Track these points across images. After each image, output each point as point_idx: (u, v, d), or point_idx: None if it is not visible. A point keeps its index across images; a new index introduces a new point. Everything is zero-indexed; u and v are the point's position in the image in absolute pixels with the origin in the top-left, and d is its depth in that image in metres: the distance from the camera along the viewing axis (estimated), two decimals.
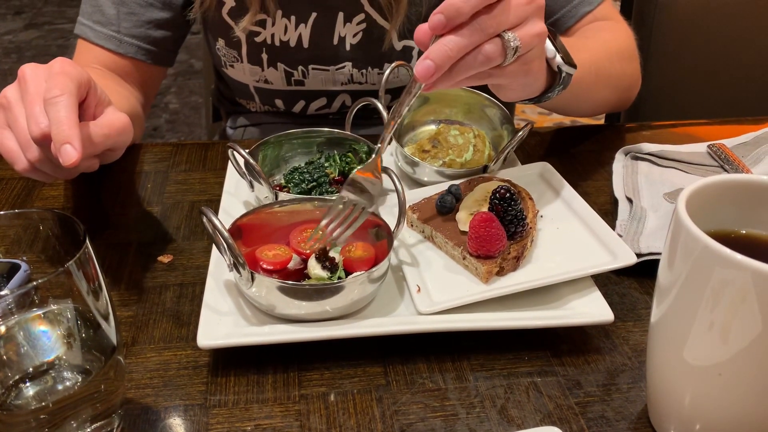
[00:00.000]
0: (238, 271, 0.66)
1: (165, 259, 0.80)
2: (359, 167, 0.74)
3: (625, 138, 1.09)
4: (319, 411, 0.62)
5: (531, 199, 0.79)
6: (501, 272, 0.72)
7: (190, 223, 0.86)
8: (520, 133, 0.87)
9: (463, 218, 0.76)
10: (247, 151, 0.83)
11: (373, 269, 0.67)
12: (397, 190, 0.72)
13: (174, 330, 0.70)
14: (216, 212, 0.77)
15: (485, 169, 0.88)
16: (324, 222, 0.73)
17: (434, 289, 0.71)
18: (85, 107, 0.72)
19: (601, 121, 1.43)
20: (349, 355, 0.67)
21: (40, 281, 0.48)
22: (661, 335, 0.56)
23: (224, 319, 0.67)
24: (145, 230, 0.85)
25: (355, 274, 0.69)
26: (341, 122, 0.96)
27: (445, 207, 0.78)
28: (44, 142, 0.68)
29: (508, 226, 0.72)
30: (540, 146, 1.05)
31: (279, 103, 1.15)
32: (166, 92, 3.69)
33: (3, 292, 0.49)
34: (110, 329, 0.55)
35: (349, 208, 0.73)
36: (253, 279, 0.66)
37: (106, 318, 0.55)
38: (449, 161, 0.91)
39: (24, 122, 0.69)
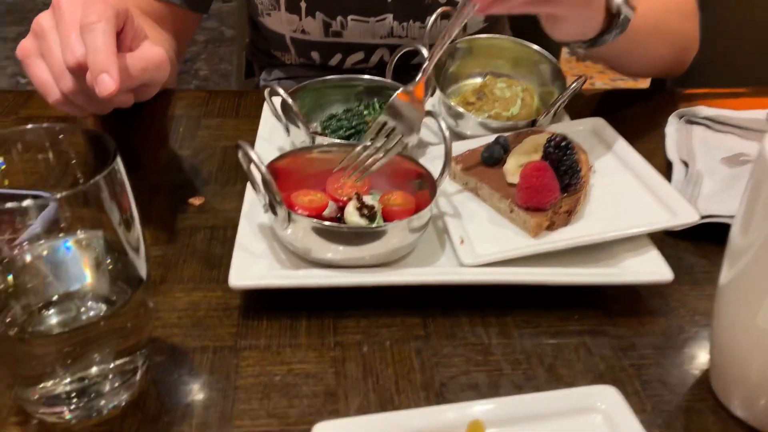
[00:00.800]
0: (274, 212, 0.63)
1: (196, 201, 0.76)
2: (401, 89, 0.70)
3: (676, 103, 1.04)
4: (354, 359, 0.58)
5: (584, 152, 0.74)
6: (551, 227, 0.68)
7: (223, 167, 0.83)
8: (574, 85, 0.82)
9: (512, 169, 0.72)
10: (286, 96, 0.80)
11: (415, 216, 0.63)
12: (443, 134, 0.68)
13: (204, 271, 0.67)
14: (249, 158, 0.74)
15: (534, 123, 0.83)
16: (359, 148, 0.69)
17: (478, 242, 0.67)
18: (122, 39, 0.68)
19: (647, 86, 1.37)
20: (386, 304, 0.63)
21: (64, 194, 0.44)
22: (731, 298, 0.52)
23: (257, 262, 0.64)
24: (176, 173, 0.82)
25: (396, 221, 0.65)
26: (376, 74, 0.92)
27: (492, 158, 0.74)
28: (79, 71, 0.65)
29: (561, 177, 0.67)
30: (587, 107, 1.00)
31: (315, 55, 1.11)
32: (196, 59, 3.67)
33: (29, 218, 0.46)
34: (140, 261, 0.52)
35: (385, 137, 0.68)
36: (290, 219, 0.62)
37: (136, 250, 0.52)
38: (495, 114, 0.86)
39: (58, 51, 0.65)
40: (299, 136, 0.78)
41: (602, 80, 3.21)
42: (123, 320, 0.51)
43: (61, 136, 0.51)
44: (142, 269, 0.52)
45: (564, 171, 0.67)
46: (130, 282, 0.52)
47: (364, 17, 1.04)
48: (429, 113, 0.71)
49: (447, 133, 0.68)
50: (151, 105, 0.94)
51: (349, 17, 1.04)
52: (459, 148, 0.79)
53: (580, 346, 0.60)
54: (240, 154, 0.63)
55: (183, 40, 1.08)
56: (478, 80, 0.94)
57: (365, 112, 0.84)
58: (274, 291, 0.62)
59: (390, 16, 1.04)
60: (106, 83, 0.62)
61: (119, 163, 0.48)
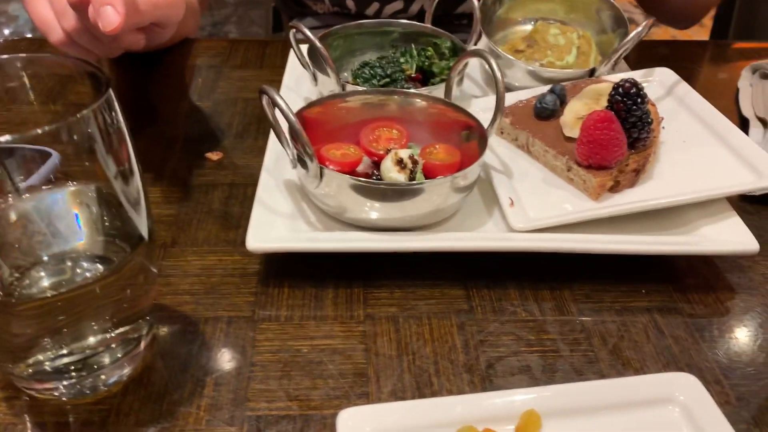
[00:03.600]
0: (304, 166, 0.55)
1: (214, 156, 0.69)
2: None
3: (745, 56, 0.93)
4: (387, 334, 0.51)
5: (653, 104, 0.65)
6: (615, 188, 0.59)
7: (243, 120, 0.75)
8: (639, 29, 0.72)
9: (570, 121, 0.63)
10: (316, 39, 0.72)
11: (461, 173, 0.55)
12: (494, 75, 0.59)
13: (220, 232, 0.59)
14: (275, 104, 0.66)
15: (592, 72, 0.74)
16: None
17: (530, 205, 0.58)
18: None
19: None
20: (425, 273, 0.56)
21: (46, 129, 0.37)
22: None
23: (280, 222, 0.57)
24: (194, 125, 0.75)
25: (439, 177, 0.57)
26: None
27: (547, 109, 0.65)
28: (82, 7, 0.58)
29: (629, 131, 0.58)
30: (647, 60, 0.90)
31: (350, 3, 1.02)
32: (226, 22, 3.58)
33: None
34: (140, 218, 0.45)
35: None
36: (321, 175, 0.54)
37: (135, 205, 0.45)
38: (547, 63, 0.77)
39: None
40: (328, 86, 0.70)
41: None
42: (122, 284, 0.44)
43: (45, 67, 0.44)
44: (143, 227, 0.45)
45: (633, 123, 0.58)
46: (130, 241, 0.45)
47: None
48: (477, 53, 0.62)
49: (499, 74, 0.59)
50: (170, 54, 0.87)
51: None
52: (507, 99, 0.70)
53: (650, 325, 0.52)
54: (264, 101, 0.55)
55: None
56: (528, 27, 0.84)
57: (401, 60, 0.75)
58: (298, 256, 0.55)
59: None
60: (110, 17, 0.55)
61: (113, 99, 0.41)
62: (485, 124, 0.60)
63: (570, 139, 0.62)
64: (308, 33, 0.67)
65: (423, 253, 0.55)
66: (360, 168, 0.64)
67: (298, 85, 0.76)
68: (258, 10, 3.77)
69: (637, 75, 0.74)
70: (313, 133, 0.63)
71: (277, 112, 0.55)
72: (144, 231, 0.45)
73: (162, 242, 0.58)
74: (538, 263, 0.56)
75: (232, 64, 0.86)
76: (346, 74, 0.78)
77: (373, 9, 1.02)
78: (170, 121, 0.75)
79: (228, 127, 0.74)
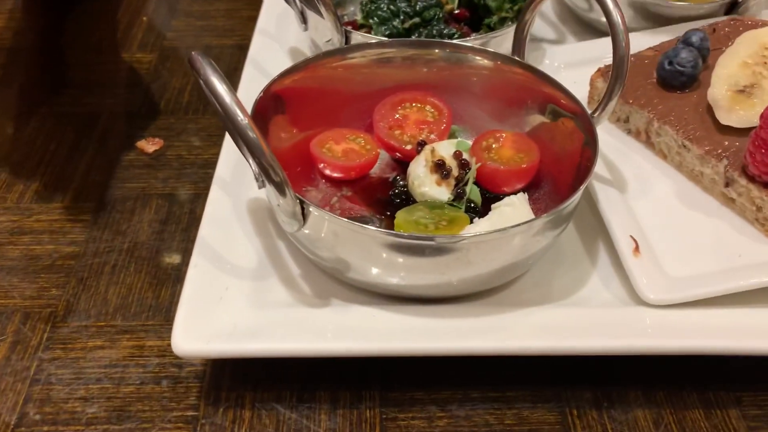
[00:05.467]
0: (275, 186, 0.30)
1: (150, 146, 0.45)
2: None
3: None
4: None
5: None
6: None
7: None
8: None
9: (724, 98, 0.38)
10: None
11: (555, 212, 0.31)
12: (610, 20, 0.34)
13: (146, 291, 0.36)
14: (239, 68, 0.42)
15: (732, 6, 0.48)
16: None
17: (666, 250, 0.34)
18: None
19: None
20: (484, 380, 0.32)
21: None
22: None
23: (237, 289, 0.33)
24: (123, 93, 0.50)
25: (510, 212, 0.34)
26: None
27: (683, 73, 0.40)
28: None
29: None
30: None
31: None
32: None
33: None
34: None
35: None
36: (304, 216, 0.30)
37: None
38: None
39: None
40: (324, 32, 0.45)
41: None
42: None
43: None
44: None
45: None
46: None
47: None
48: None
49: (618, 18, 0.34)
50: None
51: None
52: (600, 49, 0.45)
53: None
54: (202, 85, 0.30)
55: None
56: None
57: None
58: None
59: None
60: None
61: None
62: (584, 102, 0.36)
63: (727, 129, 0.36)
64: None
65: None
66: (374, 171, 0.40)
67: (279, 30, 0.51)
68: None
69: None
70: (296, 113, 0.40)
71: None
72: None
73: (48, 312, 0.35)
74: (678, 358, 0.32)
75: None
76: (352, 9, 0.52)
77: None
78: (91, 84, 0.51)
79: (177, 95, 0.50)
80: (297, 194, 0.30)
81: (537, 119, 0.40)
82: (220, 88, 0.29)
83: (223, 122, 0.30)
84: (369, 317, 0.32)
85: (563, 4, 0.54)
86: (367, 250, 0.31)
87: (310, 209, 0.30)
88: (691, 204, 0.37)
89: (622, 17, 0.34)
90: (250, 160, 0.31)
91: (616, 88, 0.35)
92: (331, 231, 0.31)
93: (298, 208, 0.30)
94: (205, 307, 0.31)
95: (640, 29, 0.49)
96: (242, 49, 0.54)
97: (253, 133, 0.29)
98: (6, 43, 0.54)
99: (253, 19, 0.56)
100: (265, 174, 0.30)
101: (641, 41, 0.45)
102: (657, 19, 0.49)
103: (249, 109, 0.31)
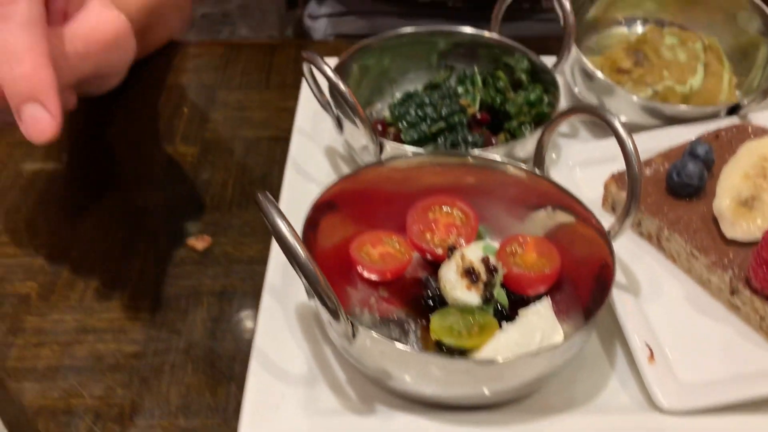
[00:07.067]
0: (330, 311, 0.34)
1: (199, 243, 0.49)
2: None
3: None
4: None
5: None
6: None
7: (243, 178, 0.54)
8: None
9: (729, 210, 0.41)
10: (335, 65, 0.50)
11: (580, 337, 0.35)
12: (627, 160, 0.38)
13: (204, 393, 0.40)
14: (281, 170, 0.46)
15: (734, 109, 0.52)
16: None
17: (680, 357, 0.38)
18: None
19: None
20: None
21: None
22: None
23: (292, 395, 0.37)
24: (172, 188, 0.54)
25: (536, 320, 0.37)
26: (466, 16, 0.60)
27: (689, 186, 0.43)
28: None
29: None
30: None
31: None
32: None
33: None
34: None
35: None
36: (354, 334, 0.34)
37: None
38: (664, 90, 0.54)
39: None
40: (358, 137, 0.49)
41: None
42: None
43: None
44: None
45: None
46: None
47: None
48: (590, 111, 0.41)
49: (627, 139, 0.38)
50: (145, 68, 0.65)
51: None
52: (612, 150, 0.49)
53: None
54: (268, 223, 0.34)
55: None
56: (625, 30, 0.61)
57: (460, 90, 0.53)
58: None
59: None
60: (40, 122, 0.36)
61: None
62: (598, 202, 0.39)
63: (733, 241, 0.40)
64: (331, 73, 0.45)
65: None
66: (408, 271, 0.43)
67: (315, 126, 0.55)
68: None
69: None
70: (338, 219, 0.44)
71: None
72: None
73: (116, 412, 0.39)
74: None
75: (229, 83, 0.65)
76: (381, 107, 0.57)
77: None
78: (137, 181, 0.55)
79: (221, 189, 0.53)
80: (348, 316, 0.34)
81: (557, 224, 0.43)
82: (284, 228, 0.33)
83: (285, 254, 0.34)
84: (411, 423, 0.35)
85: (575, 98, 0.58)
86: (410, 366, 0.34)
87: (360, 329, 0.34)
88: (700, 308, 0.40)
89: (634, 145, 0.38)
90: (307, 286, 0.35)
91: (631, 209, 0.38)
92: (378, 349, 0.34)
93: (349, 328, 0.34)
94: (266, 416, 0.35)
95: (648, 126, 0.53)
96: (277, 141, 0.57)
97: (311, 267, 0.33)
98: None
99: (285, 110, 0.60)
100: (320, 301, 0.33)
101: (649, 142, 0.49)
102: (664, 118, 0.53)
103: (297, 223, 0.35)
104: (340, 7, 0.86)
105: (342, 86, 0.45)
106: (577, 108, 0.42)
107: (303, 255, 0.32)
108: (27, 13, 0.35)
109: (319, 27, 0.88)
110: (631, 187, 0.38)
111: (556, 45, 0.55)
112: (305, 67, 0.48)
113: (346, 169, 0.52)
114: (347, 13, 0.85)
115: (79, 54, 0.39)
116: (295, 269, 0.34)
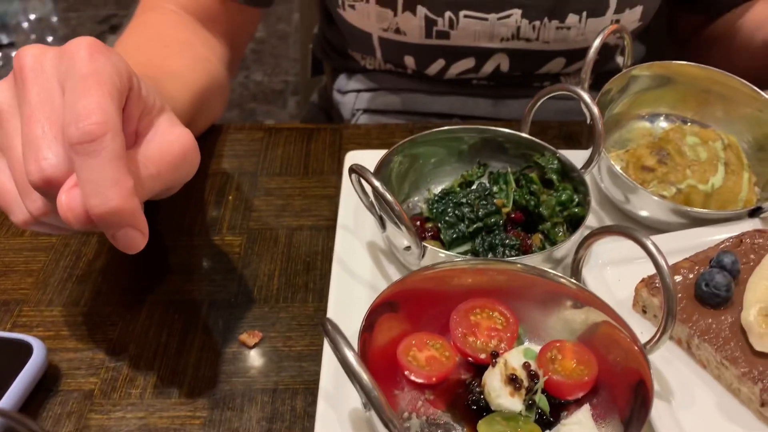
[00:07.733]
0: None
1: (250, 339, 0.52)
2: None
3: None
4: None
5: None
6: None
7: (288, 269, 0.57)
8: None
9: (756, 324, 0.44)
10: (373, 166, 0.54)
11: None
12: (658, 268, 0.41)
13: None
14: (324, 260, 0.49)
15: (756, 212, 0.55)
16: None
17: None
18: (124, 119, 0.42)
19: None
20: None
21: None
22: None
23: None
24: (221, 280, 0.57)
25: (578, 429, 0.40)
26: (488, 91, 0.64)
27: (718, 296, 0.46)
28: (51, 190, 0.40)
29: None
30: None
31: (409, 61, 0.83)
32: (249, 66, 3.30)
33: None
34: None
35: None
36: None
37: None
38: (687, 189, 0.57)
39: (20, 151, 0.40)
40: (401, 239, 0.51)
41: None
42: None
43: None
44: None
45: None
46: None
47: (483, 13, 0.75)
48: (624, 232, 0.44)
49: (661, 260, 0.41)
50: None
51: (462, 13, 0.75)
52: (638, 249, 0.52)
53: None
54: (330, 345, 0.37)
55: (239, 46, 0.82)
56: (648, 125, 0.65)
57: (494, 190, 0.56)
58: None
59: (518, 13, 0.75)
60: (132, 241, 0.39)
61: None
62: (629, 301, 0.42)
63: (762, 355, 0.43)
64: (376, 183, 0.48)
65: None
66: (452, 373, 0.46)
67: (357, 220, 0.58)
68: (283, 5, 3.49)
69: None
70: (386, 324, 0.46)
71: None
72: None
73: None
74: None
75: (269, 167, 0.68)
76: (417, 200, 0.60)
77: (437, 67, 0.83)
78: (188, 270, 0.58)
79: (267, 281, 0.56)
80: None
81: (593, 331, 0.46)
82: (349, 355, 0.36)
83: (350, 379, 0.37)
84: None
85: (602, 192, 0.61)
86: None
87: None
88: (731, 417, 0.43)
89: (668, 266, 0.41)
90: (367, 406, 0.38)
91: (668, 326, 0.41)
92: None
93: None
94: None
95: (672, 223, 0.56)
96: (318, 230, 0.61)
97: (375, 392, 0.35)
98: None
99: (325, 197, 0.64)
100: (384, 425, 0.36)
101: (672, 244, 0.51)
102: (687, 218, 0.55)
103: (346, 325, 0.38)
104: (370, 83, 0.89)
105: (389, 197, 0.48)
106: (612, 229, 0.45)
107: (370, 384, 0.35)
108: (111, 147, 0.38)
109: (348, 101, 0.92)
110: (668, 305, 0.41)
111: (577, 130, 0.57)
112: (353, 177, 0.51)
113: (387, 266, 0.55)
114: (376, 89, 0.89)
115: (152, 176, 0.42)
116: (359, 393, 0.36)
